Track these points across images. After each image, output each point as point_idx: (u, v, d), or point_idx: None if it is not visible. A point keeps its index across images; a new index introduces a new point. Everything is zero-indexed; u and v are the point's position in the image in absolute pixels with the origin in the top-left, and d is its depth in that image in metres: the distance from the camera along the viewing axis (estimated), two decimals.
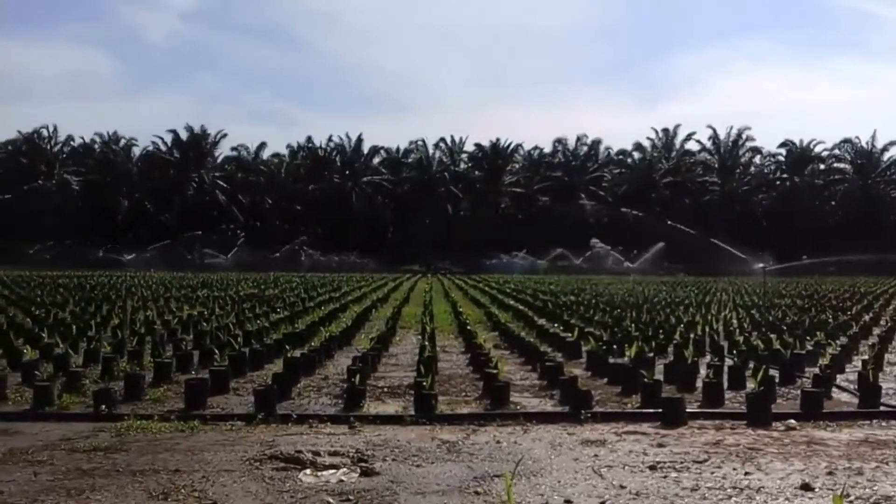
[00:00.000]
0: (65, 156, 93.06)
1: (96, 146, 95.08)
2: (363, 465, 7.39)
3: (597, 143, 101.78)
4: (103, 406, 9.60)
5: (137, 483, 6.71)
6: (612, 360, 13.04)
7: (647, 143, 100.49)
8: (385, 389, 11.64)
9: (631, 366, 11.89)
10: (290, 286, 40.09)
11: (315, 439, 8.45)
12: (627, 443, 8.34)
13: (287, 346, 14.03)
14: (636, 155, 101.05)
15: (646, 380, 10.50)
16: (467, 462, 7.55)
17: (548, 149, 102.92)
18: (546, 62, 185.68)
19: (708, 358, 13.76)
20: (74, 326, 17.82)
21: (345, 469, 7.22)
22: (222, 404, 10.36)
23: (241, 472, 7.10)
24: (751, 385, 10.94)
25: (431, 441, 8.40)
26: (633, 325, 19.17)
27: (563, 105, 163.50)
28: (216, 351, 13.61)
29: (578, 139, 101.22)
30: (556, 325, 19.74)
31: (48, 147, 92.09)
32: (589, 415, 9.49)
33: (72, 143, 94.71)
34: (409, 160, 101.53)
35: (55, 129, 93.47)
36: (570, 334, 16.65)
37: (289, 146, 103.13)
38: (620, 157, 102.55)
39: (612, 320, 20.52)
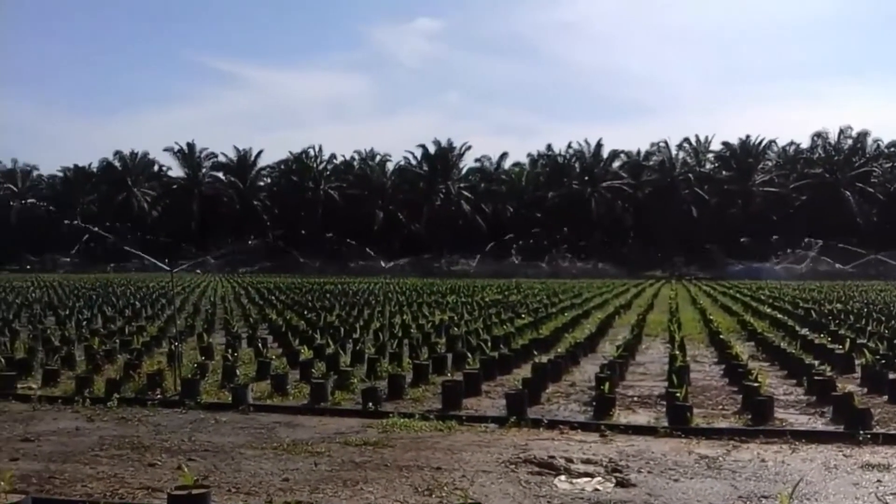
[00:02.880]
0: (328, 172, 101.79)
1: (355, 163, 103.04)
2: (618, 475, 7.30)
3: (863, 135, 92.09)
4: (370, 403, 10.36)
5: (404, 478, 7.16)
6: (892, 376, 11.72)
7: None
8: (635, 398, 11.40)
9: None
10: (532, 292, 40.59)
11: (567, 446, 8.49)
12: None
13: (535, 352, 14.24)
14: None
15: None
16: (730, 480, 7.17)
17: (804, 144, 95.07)
18: (800, 55, 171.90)
19: None
20: (342, 329, 19.42)
21: (599, 478, 7.17)
22: (475, 406, 10.74)
23: (498, 473, 7.31)
24: None
25: (688, 455, 8.09)
26: None
27: (820, 98, 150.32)
28: (468, 354, 14.15)
29: (841, 132, 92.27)
30: (821, 335, 18.14)
31: (314, 165, 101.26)
32: (868, 435, 8.61)
33: (334, 160, 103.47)
34: (651, 163, 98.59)
35: (320, 148, 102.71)
36: (839, 346, 15.18)
37: (529, 155, 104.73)
38: (893, 149, 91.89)
39: (888, 331, 18.44)
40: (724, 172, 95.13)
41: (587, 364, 14.89)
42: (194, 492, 5.40)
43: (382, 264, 79.21)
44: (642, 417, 10.03)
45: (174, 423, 9.61)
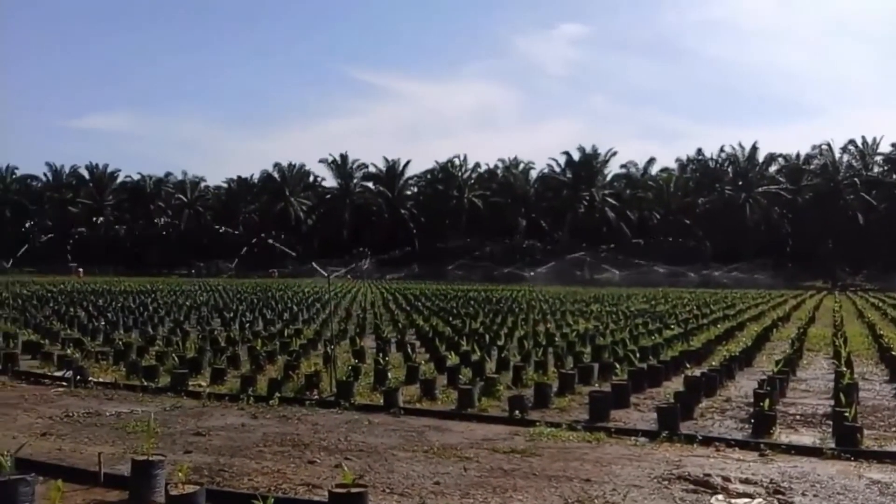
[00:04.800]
0: (472, 181, 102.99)
1: (499, 171, 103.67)
2: (780, 496, 6.94)
3: None
4: (517, 411, 10.39)
5: (553, 488, 7.13)
6: None
7: None
8: (797, 417, 10.79)
9: None
10: (681, 302, 39.24)
11: (723, 464, 8.16)
12: None
13: (686, 364, 13.77)
14: None
15: None
16: None
17: None
18: None
19: None
20: (487, 336, 19.59)
21: (760, 500, 6.84)
22: (624, 418, 10.53)
23: (650, 489, 7.13)
24: None
25: (858, 479, 7.56)
26: None
27: None
28: (616, 365, 13.89)
29: None
30: None
31: (459, 174, 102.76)
32: None
33: (478, 169, 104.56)
34: (811, 166, 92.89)
35: (465, 157, 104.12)
36: None
37: (678, 160, 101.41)
38: None
39: None
40: (894, 176, 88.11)
41: (743, 379, 14.26)
42: (353, 490, 5.63)
43: (526, 272, 79.14)
44: (806, 437, 9.49)
45: (331, 423, 10.04)
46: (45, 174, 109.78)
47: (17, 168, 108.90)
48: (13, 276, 70.81)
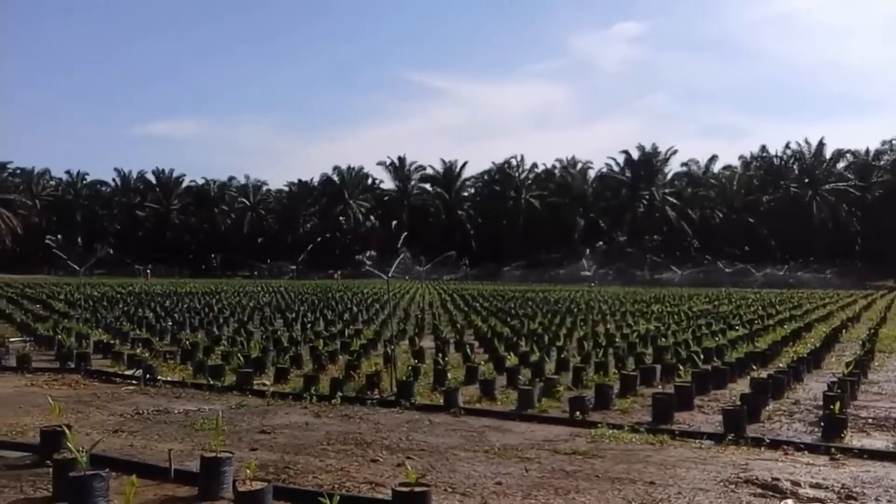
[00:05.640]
0: (529, 181, 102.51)
1: (556, 171, 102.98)
2: (852, 502, 6.75)
3: None
4: (577, 412, 10.30)
5: (616, 490, 7.06)
6: None
7: None
8: (869, 420, 10.45)
9: None
10: (745, 302, 38.37)
11: (792, 468, 7.95)
12: None
13: (752, 366, 13.47)
14: None
15: None
16: None
17: None
18: None
19: None
20: (545, 336, 19.48)
21: None
22: (688, 420, 10.36)
23: (717, 493, 7.00)
24: None
25: None
26: None
27: None
28: (679, 367, 13.66)
29: None
30: None
31: (516, 174, 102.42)
32: None
33: (536, 169, 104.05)
34: (881, 162, 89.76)
35: (522, 158, 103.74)
36: None
37: (741, 157, 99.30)
38: None
39: None
40: None
41: (811, 381, 13.88)
42: (416, 489, 5.67)
43: (584, 272, 78.35)
44: (879, 441, 9.19)
45: (392, 422, 10.13)
46: (113, 180, 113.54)
47: (87, 174, 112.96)
48: (84, 278, 73.28)
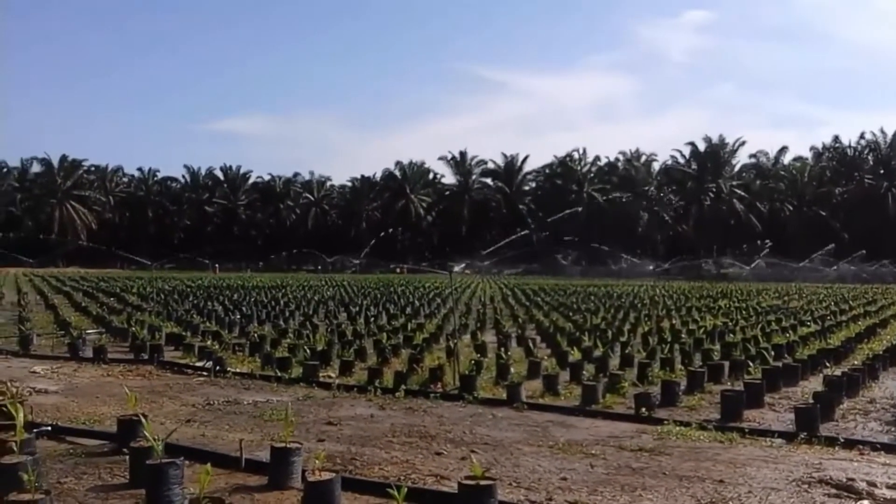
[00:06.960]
0: (592, 175, 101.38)
1: (619, 164, 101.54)
2: None
3: None
4: (643, 409, 10.17)
5: (684, 488, 6.94)
6: None
7: None
8: None
9: None
10: (817, 298, 37.22)
11: (868, 468, 7.70)
12: None
13: (826, 363, 13.08)
14: None
15: None
16: None
17: None
18: None
19: None
20: (609, 332, 19.27)
21: None
22: (758, 418, 10.13)
23: (789, 492, 6.82)
24: None
25: None
26: None
27: None
28: (749, 363, 13.36)
29: None
30: None
31: (578, 168, 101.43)
32: None
33: (598, 162, 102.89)
34: None
35: (584, 151, 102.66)
36: None
37: (812, 148, 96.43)
38: None
39: None
40: None
41: (888, 379, 13.43)
42: (482, 483, 5.69)
43: (648, 267, 77.22)
44: None
45: (455, 416, 10.18)
46: (183, 176, 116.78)
47: (158, 170, 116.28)
48: (156, 272, 75.72)
